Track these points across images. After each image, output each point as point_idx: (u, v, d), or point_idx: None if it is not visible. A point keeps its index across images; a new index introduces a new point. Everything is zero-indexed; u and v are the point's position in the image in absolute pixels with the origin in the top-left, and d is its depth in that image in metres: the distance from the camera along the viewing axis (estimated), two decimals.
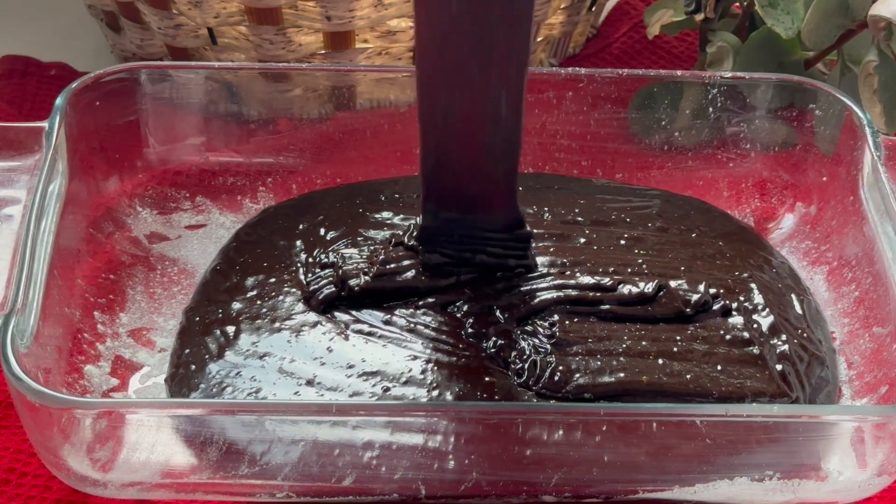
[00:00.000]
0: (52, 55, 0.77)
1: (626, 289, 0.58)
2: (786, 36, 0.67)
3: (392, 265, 0.59)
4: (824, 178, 0.65)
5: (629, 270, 0.60)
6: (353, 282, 0.59)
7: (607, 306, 0.58)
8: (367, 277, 0.59)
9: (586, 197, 0.66)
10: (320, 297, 0.59)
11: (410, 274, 0.59)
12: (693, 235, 0.64)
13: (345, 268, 0.59)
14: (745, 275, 0.61)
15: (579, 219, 0.64)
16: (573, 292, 0.58)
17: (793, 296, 0.61)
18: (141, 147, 0.65)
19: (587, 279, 0.59)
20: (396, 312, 0.58)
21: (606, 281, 0.58)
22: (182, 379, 0.56)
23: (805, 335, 0.58)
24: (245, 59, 0.71)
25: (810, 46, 0.67)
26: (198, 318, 0.59)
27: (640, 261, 0.61)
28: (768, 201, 0.67)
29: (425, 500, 0.52)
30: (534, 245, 0.60)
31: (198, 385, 0.55)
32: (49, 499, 0.54)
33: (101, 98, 0.62)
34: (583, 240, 0.63)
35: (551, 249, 0.61)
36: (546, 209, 0.65)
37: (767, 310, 0.59)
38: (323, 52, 0.70)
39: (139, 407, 0.51)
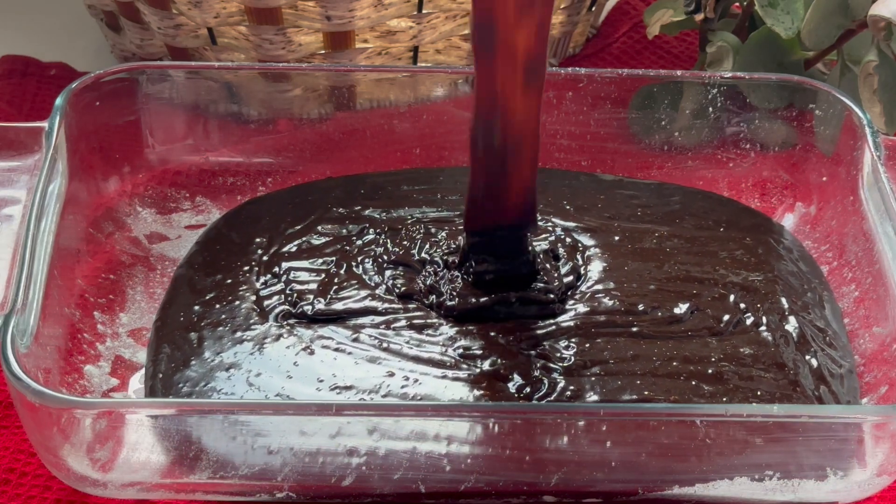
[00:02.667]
0: (52, 55, 0.77)
1: (657, 313, 0.57)
2: (786, 36, 0.67)
3: (344, 292, 0.58)
4: (824, 178, 0.65)
5: (664, 276, 0.59)
6: (305, 307, 0.58)
7: (636, 328, 0.57)
8: (319, 306, 0.58)
9: (604, 192, 0.65)
10: (272, 315, 0.58)
11: (367, 302, 0.58)
12: (721, 230, 0.63)
13: (296, 289, 0.58)
14: (771, 274, 0.60)
15: (606, 214, 0.63)
16: (601, 318, 0.57)
17: (815, 290, 0.61)
18: (141, 147, 0.65)
19: (616, 303, 0.57)
20: (364, 331, 0.57)
21: (640, 306, 0.57)
22: (154, 389, 0.55)
23: (829, 341, 0.58)
24: (245, 59, 0.71)
25: (810, 46, 0.67)
26: (160, 324, 0.59)
27: (672, 261, 0.60)
28: (768, 201, 0.67)
29: (425, 500, 0.52)
30: (568, 243, 0.60)
31: (168, 396, 0.55)
32: (49, 499, 0.54)
33: (101, 98, 0.62)
34: (617, 237, 0.62)
35: (591, 250, 0.60)
36: (565, 202, 0.64)
37: (793, 317, 0.58)
38: (323, 52, 0.70)
39: (139, 407, 0.51)
